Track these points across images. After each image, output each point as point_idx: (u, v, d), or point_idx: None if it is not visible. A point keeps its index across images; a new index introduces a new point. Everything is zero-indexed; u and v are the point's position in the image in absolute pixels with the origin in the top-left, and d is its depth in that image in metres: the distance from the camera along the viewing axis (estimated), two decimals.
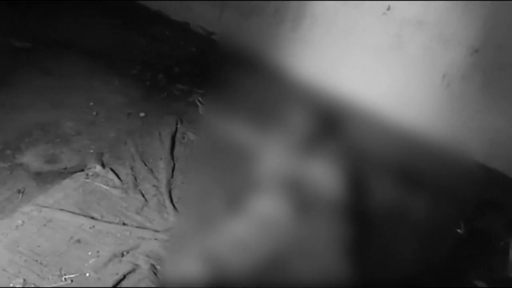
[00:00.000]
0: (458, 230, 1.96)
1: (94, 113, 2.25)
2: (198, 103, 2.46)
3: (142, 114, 2.32)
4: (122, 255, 1.62)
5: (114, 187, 1.89)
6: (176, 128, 2.28)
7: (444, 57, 2.40)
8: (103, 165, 1.97)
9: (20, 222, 1.69)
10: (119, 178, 1.93)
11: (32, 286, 1.49)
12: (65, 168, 1.93)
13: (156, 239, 1.70)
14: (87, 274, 1.55)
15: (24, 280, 1.51)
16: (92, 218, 1.74)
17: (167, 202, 1.87)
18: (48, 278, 1.53)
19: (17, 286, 1.48)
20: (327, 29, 2.57)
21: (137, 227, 1.74)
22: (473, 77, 2.39)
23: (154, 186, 1.95)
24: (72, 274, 1.55)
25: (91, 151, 2.04)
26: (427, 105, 2.49)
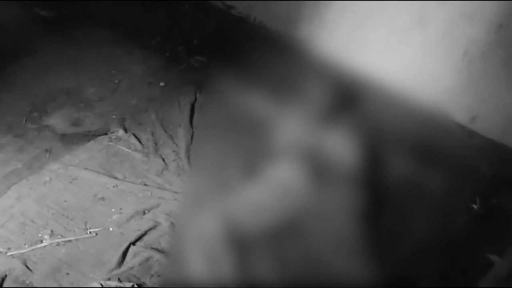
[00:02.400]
0: (474, 206, 1.97)
1: (116, 81, 2.31)
2: (217, 75, 2.50)
3: (162, 84, 2.37)
4: (144, 213, 1.69)
5: (136, 150, 1.95)
6: (195, 98, 2.32)
7: (466, 34, 2.36)
8: (125, 130, 2.03)
9: (47, 178, 1.77)
10: (140, 142, 2.00)
11: (59, 237, 1.58)
12: (89, 131, 2.00)
13: (175, 199, 1.76)
14: (111, 229, 1.63)
15: (52, 231, 1.59)
16: (115, 178, 1.81)
17: (186, 167, 1.92)
18: (74, 231, 1.61)
19: (45, 236, 1.57)
20: (348, 5, 2.55)
21: (157, 188, 1.80)
22: (495, 54, 2.36)
23: (174, 151, 2.01)
24: (96, 228, 1.62)
25: (114, 116, 2.10)
26: (447, 82, 2.47)
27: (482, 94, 2.39)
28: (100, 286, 1.37)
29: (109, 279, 1.43)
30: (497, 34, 2.30)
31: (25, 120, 1.98)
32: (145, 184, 1.82)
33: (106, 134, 2.01)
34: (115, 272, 1.47)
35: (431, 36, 2.42)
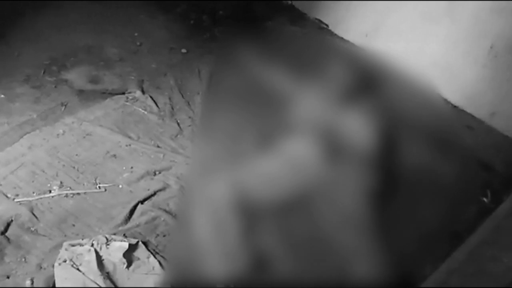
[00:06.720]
0: (484, 199, 1.91)
1: (138, 43, 2.27)
2: (239, 46, 2.44)
3: (183, 51, 2.32)
4: (155, 174, 1.66)
5: (152, 113, 1.92)
6: (216, 67, 2.26)
7: (494, 27, 2.25)
8: (143, 92, 2.00)
9: (61, 131, 1.74)
10: (157, 105, 1.96)
11: (68, 188, 1.55)
12: (107, 90, 1.97)
13: (187, 164, 1.72)
14: (120, 186, 1.60)
15: (61, 182, 1.57)
16: (129, 137, 1.78)
17: (198, 131, 1.88)
18: (83, 184, 1.58)
19: (54, 187, 1.55)
20: None
21: (170, 151, 1.76)
22: None
23: (189, 117, 1.96)
24: (106, 184, 1.60)
25: (132, 77, 2.07)
26: (470, 75, 2.36)
27: (504, 90, 2.29)
28: (105, 238, 1.34)
29: (114, 234, 1.40)
30: None
31: (43, 72, 1.96)
32: (158, 146, 1.78)
33: (123, 94, 1.97)
34: (121, 228, 1.44)
35: (459, 27, 2.30)
